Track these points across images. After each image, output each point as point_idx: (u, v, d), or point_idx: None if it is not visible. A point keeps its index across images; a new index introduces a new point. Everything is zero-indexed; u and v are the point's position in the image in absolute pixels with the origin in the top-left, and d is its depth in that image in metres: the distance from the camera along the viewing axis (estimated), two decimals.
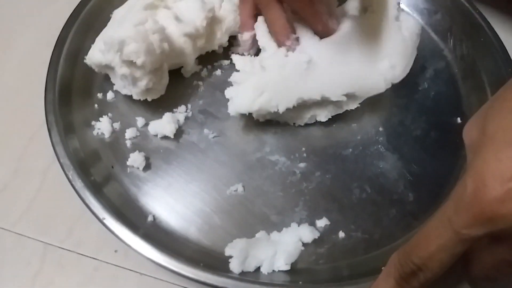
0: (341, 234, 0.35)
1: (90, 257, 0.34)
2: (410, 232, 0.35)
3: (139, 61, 0.34)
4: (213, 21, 0.40)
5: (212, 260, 0.32)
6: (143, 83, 0.36)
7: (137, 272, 0.34)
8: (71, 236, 0.35)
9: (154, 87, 0.38)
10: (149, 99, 0.38)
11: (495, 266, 0.26)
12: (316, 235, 0.34)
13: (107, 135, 0.38)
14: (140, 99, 0.39)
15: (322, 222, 0.36)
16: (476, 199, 0.23)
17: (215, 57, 0.43)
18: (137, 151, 0.37)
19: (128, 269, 0.34)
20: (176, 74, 0.42)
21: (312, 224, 0.35)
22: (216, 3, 0.41)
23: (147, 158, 0.38)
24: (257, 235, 0.34)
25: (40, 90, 0.38)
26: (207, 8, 0.39)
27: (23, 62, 0.44)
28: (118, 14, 0.39)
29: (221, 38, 0.41)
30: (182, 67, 0.41)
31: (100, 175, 0.36)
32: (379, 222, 0.36)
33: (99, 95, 0.41)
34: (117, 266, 0.34)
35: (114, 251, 0.34)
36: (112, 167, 0.37)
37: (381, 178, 0.38)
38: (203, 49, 0.41)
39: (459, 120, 0.41)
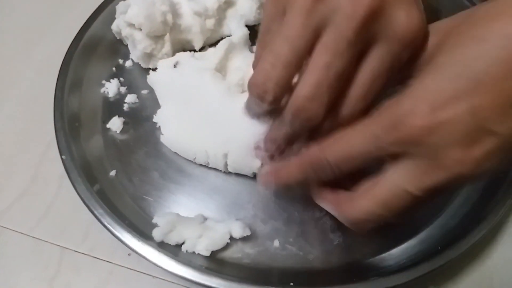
0: (276, 243, 0.35)
1: (105, 261, 0.35)
2: (344, 264, 0.34)
3: (137, 23, 0.39)
4: (227, 6, 0.43)
5: (142, 223, 0.34)
6: (141, 46, 0.40)
7: (149, 275, 0.35)
8: (87, 240, 0.36)
9: (154, 54, 0.41)
10: (152, 67, 0.42)
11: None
12: (247, 233, 0.34)
13: (111, 95, 0.43)
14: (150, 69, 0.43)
15: (262, 226, 0.35)
16: (406, 121, 0.23)
17: None
18: (116, 116, 0.41)
19: (141, 272, 0.35)
20: None
21: (252, 224, 0.35)
22: None
23: (135, 123, 0.41)
24: (194, 216, 0.35)
25: None
26: None
27: (40, 71, 0.46)
28: None
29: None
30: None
31: (87, 126, 0.40)
32: (319, 244, 0.35)
33: (120, 61, 0.45)
34: (130, 269, 0.35)
35: (128, 255, 0.35)
36: (103, 122, 0.41)
37: None
38: (214, 32, 0.44)
39: None
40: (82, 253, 0.36)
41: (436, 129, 0.23)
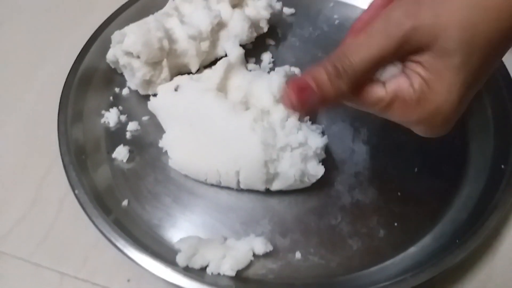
0: (298, 255, 0.35)
1: (105, 287, 0.35)
2: (368, 268, 0.34)
3: (135, 51, 0.39)
4: (219, 27, 0.44)
5: (164, 250, 0.34)
6: (140, 73, 0.41)
7: None
8: (86, 265, 0.36)
9: (153, 80, 0.42)
10: (151, 93, 0.43)
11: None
12: (269, 248, 0.34)
13: (112, 124, 0.43)
14: (149, 96, 0.43)
15: (281, 239, 0.36)
16: None
17: None
18: (121, 145, 0.41)
19: None
20: None
21: (272, 239, 0.36)
22: (226, 12, 0.44)
23: (140, 150, 0.41)
24: (214, 237, 0.35)
25: (56, 123, 0.40)
26: (213, 15, 0.43)
27: (41, 94, 0.46)
28: None
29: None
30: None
31: (93, 158, 0.40)
32: (340, 251, 0.35)
33: (117, 90, 0.45)
34: None
35: (127, 280, 0.35)
36: (108, 152, 0.41)
37: (355, 209, 0.37)
38: (209, 54, 0.45)
39: (455, 166, 0.40)
40: (82, 279, 0.35)
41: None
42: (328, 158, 0.39)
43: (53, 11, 0.54)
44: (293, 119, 0.37)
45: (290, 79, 0.27)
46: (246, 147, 0.36)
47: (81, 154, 0.39)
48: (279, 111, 0.38)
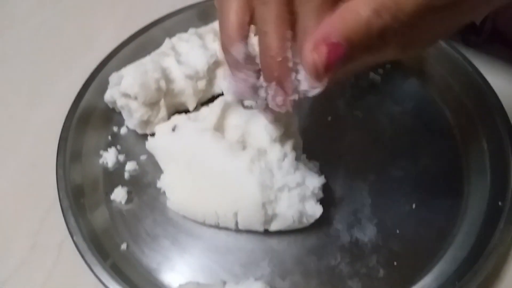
0: None
1: None
2: None
3: (132, 93, 0.40)
4: (216, 66, 0.45)
5: None
6: (138, 114, 0.41)
7: None
8: None
9: (151, 120, 0.42)
10: (148, 132, 0.43)
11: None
12: None
13: (110, 165, 0.43)
14: (147, 135, 0.43)
15: (281, 282, 0.36)
16: None
17: None
18: (120, 186, 0.41)
19: None
20: None
21: (271, 282, 0.35)
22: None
23: (139, 190, 0.41)
24: (213, 281, 0.35)
25: (54, 165, 0.40)
26: (209, 54, 0.44)
27: (38, 136, 0.46)
28: None
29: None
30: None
31: (92, 200, 0.40)
32: None
33: (115, 128, 0.45)
34: None
35: None
36: (106, 194, 0.41)
37: (354, 249, 0.37)
38: (206, 92, 0.45)
39: (453, 201, 0.40)
40: None
41: None
42: (326, 196, 0.39)
43: (49, 52, 0.54)
44: (290, 159, 0.38)
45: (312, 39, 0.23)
46: (244, 188, 0.36)
47: (79, 197, 0.39)
48: (276, 151, 0.38)
